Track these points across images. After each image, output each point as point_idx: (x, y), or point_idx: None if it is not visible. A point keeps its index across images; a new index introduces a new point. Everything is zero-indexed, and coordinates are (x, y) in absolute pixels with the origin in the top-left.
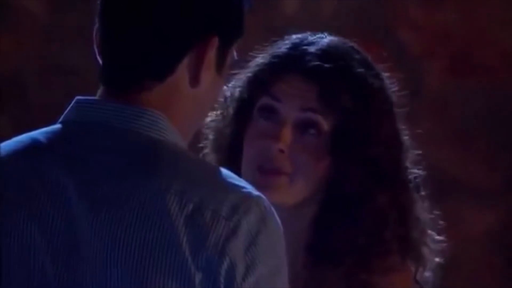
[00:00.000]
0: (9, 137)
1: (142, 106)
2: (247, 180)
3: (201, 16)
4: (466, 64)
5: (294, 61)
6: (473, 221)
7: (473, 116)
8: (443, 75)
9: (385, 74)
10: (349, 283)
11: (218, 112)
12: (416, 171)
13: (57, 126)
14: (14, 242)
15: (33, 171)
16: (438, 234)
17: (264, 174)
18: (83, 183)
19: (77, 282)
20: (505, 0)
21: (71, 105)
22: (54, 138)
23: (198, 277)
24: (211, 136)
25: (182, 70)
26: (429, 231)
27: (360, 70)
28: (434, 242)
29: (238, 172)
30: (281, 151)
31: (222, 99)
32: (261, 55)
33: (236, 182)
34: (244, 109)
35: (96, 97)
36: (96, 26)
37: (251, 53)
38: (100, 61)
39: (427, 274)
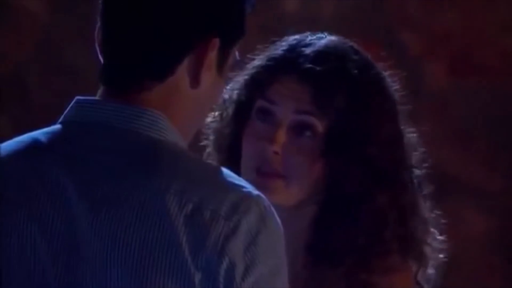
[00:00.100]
0: (9, 137)
1: (142, 106)
2: (246, 180)
3: (202, 17)
4: (466, 64)
5: (289, 63)
6: (473, 221)
7: (473, 116)
8: (443, 75)
9: (386, 74)
10: (349, 283)
11: (218, 113)
12: (417, 170)
13: (57, 126)
14: (14, 242)
15: (33, 171)
16: (439, 234)
17: (262, 176)
18: (83, 183)
19: (77, 282)
20: (505, 0)
21: (71, 105)
22: (54, 138)
23: (197, 277)
24: (211, 137)
25: (183, 71)
26: (431, 230)
27: (356, 70)
28: (436, 241)
29: (238, 172)
30: (276, 153)
31: (221, 101)
32: (258, 57)
33: (236, 182)
34: (242, 111)
35: (96, 97)
36: (98, 25)
37: (249, 55)
38: (101, 61)
39: (430, 271)
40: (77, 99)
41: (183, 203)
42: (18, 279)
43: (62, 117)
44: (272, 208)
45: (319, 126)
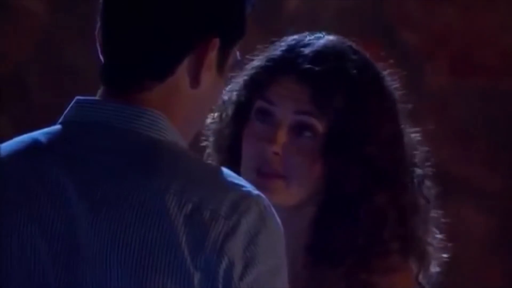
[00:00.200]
0: (9, 137)
1: (142, 106)
2: (246, 181)
3: (202, 17)
4: (466, 64)
5: (288, 64)
6: (473, 221)
7: (473, 116)
8: (443, 75)
9: (386, 73)
10: (349, 283)
11: (217, 114)
12: (418, 170)
13: (57, 126)
14: (14, 242)
15: (33, 171)
16: (439, 234)
17: (262, 177)
18: (83, 183)
19: (77, 282)
20: (505, 0)
21: (71, 105)
22: (54, 138)
23: (197, 277)
24: (211, 138)
25: (183, 71)
26: (432, 230)
27: (356, 70)
28: (436, 241)
29: (238, 173)
30: (276, 153)
31: (220, 102)
32: (257, 58)
33: (236, 181)
34: (241, 111)
35: (96, 97)
36: (98, 25)
37: (249, 55)
38: (102, 61)
39: (433, 270)
40: (77, 99)
41: (182, 203)
42: (18, 279)
43: (62, 117)
44: (272, 208)
45: (319, 126)
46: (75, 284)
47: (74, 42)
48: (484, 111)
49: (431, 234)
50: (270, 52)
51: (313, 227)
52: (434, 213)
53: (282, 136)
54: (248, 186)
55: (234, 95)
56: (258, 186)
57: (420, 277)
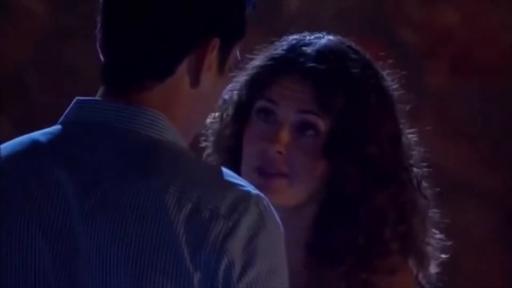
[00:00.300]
0: (9, 137)
1: (142, 106)
2: (247, 181)
3: (202, 17)
4: (466, 64)
5: (290, 63)
6: (473, 221)
7: (473, 116)
8: (443, 75)
9: (386, 73)
10: (349, 283)
11: (217, 114)
12: (417, 169)
13: (57, 126)
14: (15, 243)
15: (33, 171)
16: (439, 234)
17: (263, 177)
18: (83, 183)
19: (77, 282)
20: (505, 0)
21: (71, 105)
22: (54, 138)
23: (196, 277)
24: (211, 138)
25: (183, 71)
26: (432, 230)
27: (356, 70)
28: (436, 240)
29: (238, 173)
30: (279, 152)
31: (221, 102)
32: (258, 57)
33: (235, 181)
34: (242, 111)
35: (96, 98)
36: (98, 25)
37: (249, 55)
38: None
39: (431, 271)
40: (77, 100)
41: (182, 202)
42: (19, 279)
43: (62, 117)
44: (272, 208)
45: (321, 125)
46: (75, 284)
47: (74, 42)
48: (484, 111)
49: (430, 234)
50: (271, 52)
51: (314, 227)
52: (433, 213)
53: (285, 135)
54: (248, 186)
55: (234, 95)
56: (259, 186)
57: (420, 277)
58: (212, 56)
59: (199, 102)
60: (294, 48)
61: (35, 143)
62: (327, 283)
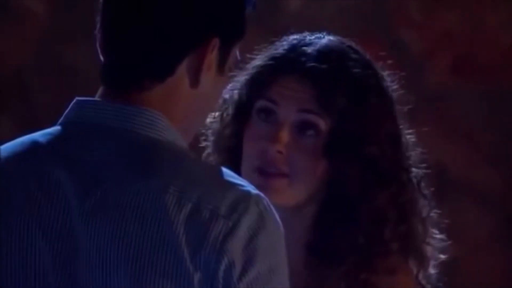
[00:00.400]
0: (9, 137)
1: (142, 106)
2: (247, 180)
3: (202, 17)
4: (466, 64)
5: (290, 63)
6: (473, 221)
7: (473, 116)
8: (443, 75)
9: (386, 74)
10: (349, 283)
11: (218, 114)
12: (417, 170)
13: (57, 127)
14: (15, 242)
15: (33, 171)
16: (439, 234)
17: (264, 176)
18: (83, 183)
19: (77, 282)
20: (506, 0)
21: (71, 105)
22: (54, 139)
23: (196, 277)
24: (211, 137)
25: (183, 71)
26: (432, 230)
27: (357, 70)
28: (436, 241)
29: (238, 173)
30: (279, 152)
31: (221, 102)
32: (258, 57)
33: (235, 181)
34: (242, 111)
35: (96, 98)
36: (98, 25)
37: (249, 55)
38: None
39: (432, 271)
40: (77, 100)
41: (182, 202)
42: (19, 279)
43: (62, 118)
44: (272, 208)
45: (322, 124)
46: (75, 284)
47: (74, 42)
48: (484, 111)
49: (430, 234)
50: (271, 51)
51: (314, 227)
52: (433, 213)
53: (286, 135)
54: (248, 186)
55: (235, 94)
56: (259, 186)
57: (420, 277)
58: (212, 56)
59: (199, 102)
60: (294, 48)
61: (35, 144)
62: (327, 283)
